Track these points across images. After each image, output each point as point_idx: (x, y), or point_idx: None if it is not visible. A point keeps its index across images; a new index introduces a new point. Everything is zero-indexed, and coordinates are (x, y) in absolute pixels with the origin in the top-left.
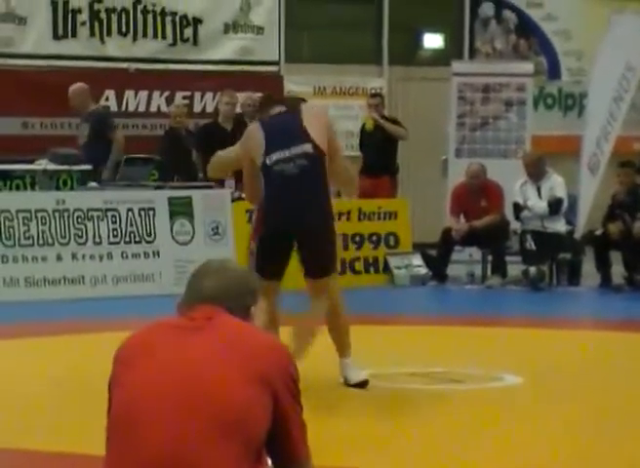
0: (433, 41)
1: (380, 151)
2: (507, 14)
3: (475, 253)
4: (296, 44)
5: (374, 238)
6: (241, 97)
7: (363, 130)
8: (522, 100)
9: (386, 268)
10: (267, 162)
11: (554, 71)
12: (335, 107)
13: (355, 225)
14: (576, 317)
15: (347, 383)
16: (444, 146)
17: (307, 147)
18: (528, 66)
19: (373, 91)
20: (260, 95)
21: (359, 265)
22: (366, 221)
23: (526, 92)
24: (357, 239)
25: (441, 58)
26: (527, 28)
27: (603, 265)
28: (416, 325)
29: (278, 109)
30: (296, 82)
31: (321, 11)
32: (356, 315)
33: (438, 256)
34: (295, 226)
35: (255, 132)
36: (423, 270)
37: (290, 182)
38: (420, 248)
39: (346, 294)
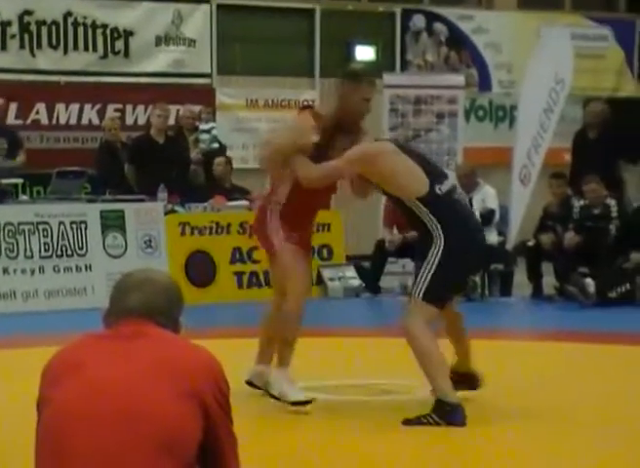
0: (365, 53)
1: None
2: (438, 26)
3: (409, 264)
4: (228, 56)
5: None
6: (180, 109)
7: None
8: (453, 112)
9: (320, 280)
10: (438, 191)
11: (485, 83)
12: (267, 120)
13: None
14: (507, 327)
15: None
16: None
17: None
18: (459, 79)
19: (305, 103)
20: (197, 107)
21: None
22: None
23: (457, 104)
24: None
25: (373, 71)
26: (458, 41)
27: (535, 276)
28: (350, 336)
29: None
30: (228, 94)
31: (253, 23)
32: None
33: (372, 268)
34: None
35: (395, 152)
36: (357, 282)
37: (471, 211)
38: (353, 260)
39: None
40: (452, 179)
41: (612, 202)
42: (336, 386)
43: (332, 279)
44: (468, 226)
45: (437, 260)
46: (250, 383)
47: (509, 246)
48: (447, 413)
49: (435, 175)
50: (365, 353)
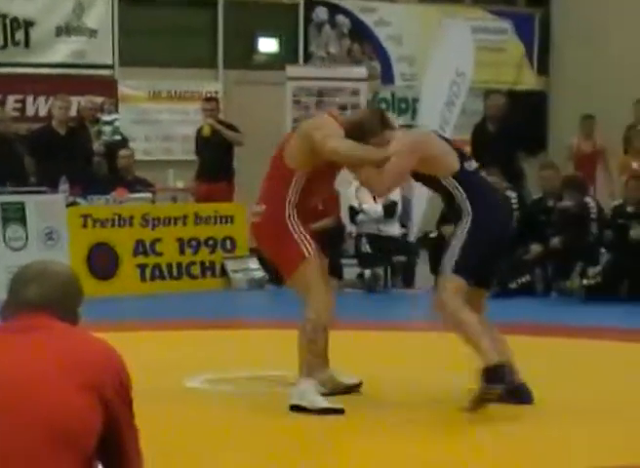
0: (268, 45)
1: (216, 156)
2: (341, 18)
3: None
4: (130, 48)
5: (210, 242)
6: (81, 101)
7: (199, 135)
8: (356, 105)
9: (223, 272)
10: (466, 167)
11: (388, 76)
12: (170, 112)
13: (192, 230)
14: (410, 319)
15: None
16: None
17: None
18: (362, 71)
19: (208, 95)
20: (99, 98)
21: (196, 270)
22: (202, 225)
23: (360, 96)
24: (194, 243)
25: (276, 63)
26: (360, 33)
27: (437, 267)
28: (254, 328)
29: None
30: (130, 86)
31: (156, 14)
32: (193, 320)
33: None
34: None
35: (429, 137)
36: (261, 274)
37: (496, 190)
38: (256, 251)
39: (184, 299)
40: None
41: (512, 194)
42: (243, 378)
43: (235, 271)
44: (495, 202)
45: (465, 234)
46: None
47: (412, 238)
48: (500, 377)
49: (460, 154)
50: (267, 345)
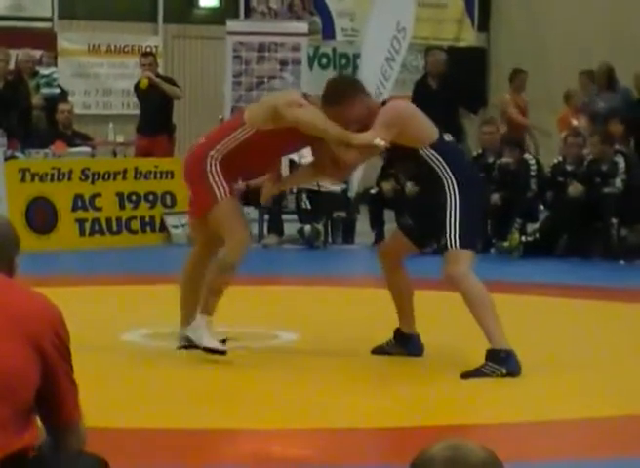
0: (209, 0)
1: (155, 110)
2: None
3: (252, 212)
4: (69, 1)
5: (150, 197)
6: (19, 54)
7: (137, 88)
8: (297, 60)
9: (163, 228)
10: (445, 138)
11: (328, 31)
12: (109, 65)
13: (132, 184)
14: (350, 275)
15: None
16: (220, 105)
17: None
18: (303, 26)
19: (147, 49)
20: (38, 52)
21: (135, 224)
22: (142, 180)
23: (301, 51)
24: (134, 198)
25: (216, 17)
26: None
27: (377, 223)
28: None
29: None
30: (70, 39)
31: None
32: (133, 274)
33: None
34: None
35: (412, 108)
36: None
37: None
38: None
39: (123, 254)
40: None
41: None
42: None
43: (175, 226)
44: (473, 169)
45: (458, 206)
46: (185, 347)
47: (352, 193)
48: (503, 360)
49: (436, 125)
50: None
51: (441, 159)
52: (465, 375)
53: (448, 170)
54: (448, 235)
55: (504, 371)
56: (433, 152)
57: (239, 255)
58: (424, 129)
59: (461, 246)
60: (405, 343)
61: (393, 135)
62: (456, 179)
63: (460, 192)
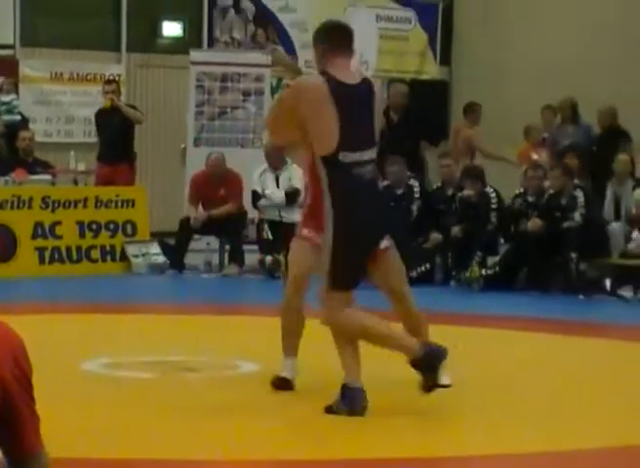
0: (172, 29)
1: (116, 137)
2: (246, 3)
3: (213, 241)
4: (32, 28)
5: (111, 226)
6: None
7: (99, 113)
8: (260, 90)
9: (124, 257)
10: (340, 158)
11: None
12: (72, 93)
13: (92, 213)
14: (310, 303)
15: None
16: (183, 135)
17: (374, 153)
18: (266, 57)
19: (110, 77)
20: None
21: (96, 253)
22: (103, 209)
23: (264, 82)
24: (94, 227)
25: (180, 47)
26: (265, 19)
27: None
28: (152, 313)
29: (347, 64)
30: (32, 67)
31: None
32: (93, 303)
33: (176, 245)
34: (382, 231)
35: (323, 98)
36: (161, 258)
37: (371, 187)
38: (158, 236)
39: (83, 282)
40: (371, 154)
41: (415, 183)
42: (140, 362)
43: (136, 255)
44: (359, 199)
45: (331, 242)
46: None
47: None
48: (347, 398)
49: (352, 140)
50: (165, 330)
51: (326, 178)
52: (327, 410)
53: (328, 193)
54: (321, 265)
55: (346, 409)
56: (322, 166)
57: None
58: (323, 131)
59: (333, 287)
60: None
61: (288, 104)
62: (334, 208)
63: (334, 224)
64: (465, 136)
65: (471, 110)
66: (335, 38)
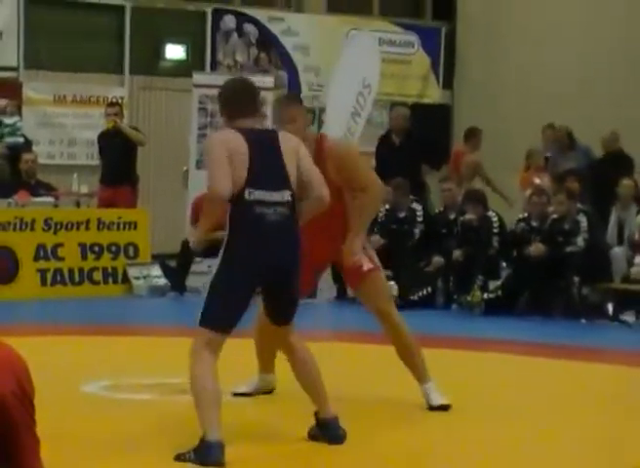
0: (175, 52)
1: (118, 159)
2: (249, 27)
3: (214, 264)
4: (36, 50)
5: (113, 248)
6: None
7: (101, 135)
8: (263, 114)
9: (125, 279)
10: (245, 196)
11: (294, 85)
12: (75, 116)
13: (94, 235)
14: (311, 329)
15: (430, 407)
16: (185, 157)
17: (287, 195)
18: (268, 80)
19: (113, 99)
20: (3, 101)
21: (98, 275)
22: (105, 231)
23: (266, 105)
24: (96, 249)
25: (183, 70)
26: (268, 42)
27: (339, 278)
28: (153, 335)
29: (253, 122)
30: (35, 89)
31: (63, 17)
32: (94, 325)
33: (178, 267)
34: (273, 268)
35: (238, 142)
36: (163, 281)
37: (269, 228)
38: (159, 258)
39: (85, 304)
40: (283, 195)
41: (418, 206)
42: (141, 385)
43: (137, 277)
44: (255, 237)
45: (214, 278)
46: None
47: None
48: (207, 455)
49: (259, 179)
50: (166, 352)
51: (229, 214)
52: (177, 458)
53: (227, 231)
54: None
55: (197, 462)
56: (230, 206)
57: None
58: (239, 172)
59: (200, 323)
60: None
61: (222, 155)
62: (226, 246)
63: (222, 262)
64: (470, 161)
65: (472, 135)
66: (237, 104)
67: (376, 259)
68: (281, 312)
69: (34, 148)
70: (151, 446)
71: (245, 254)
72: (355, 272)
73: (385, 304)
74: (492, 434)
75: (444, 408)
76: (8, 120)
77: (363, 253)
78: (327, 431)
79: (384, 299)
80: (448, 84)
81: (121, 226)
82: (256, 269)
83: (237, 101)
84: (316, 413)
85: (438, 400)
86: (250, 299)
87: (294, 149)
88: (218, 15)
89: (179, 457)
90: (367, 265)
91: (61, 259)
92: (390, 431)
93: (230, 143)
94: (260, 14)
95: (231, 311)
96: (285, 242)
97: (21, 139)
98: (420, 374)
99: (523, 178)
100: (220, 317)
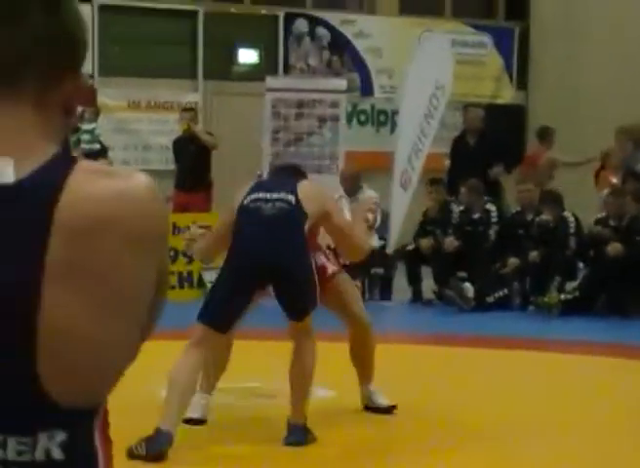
0: (248, 56)
1: (192, 164)
2: (321, 30)
3: None
4: (110, 57)
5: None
6: None
7: (176, 141)
8: (335, 116)
9: (201, 283)
10: (244, 202)
11: (367, 88)
12: (149, 122)
13: (169, 240)
14: (386, 331)
15: (373, 407)
16: (258, 161)
17: (290, 197)
18: (341, 83)
19: (187, 105)
20: (80, 107)
21: (173, 280)
22: (180, 236)
23: (339, 108)
24: (172, 253)
25: (255, 74)
26: (340, 45)
27: (414, 280)
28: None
29: None
30: (110, 95)
31: (136, 25)
32: (169, 330)
33: None
34: (268, 266)
35: (243, 187)
36: None
37: (266, 220)
38: None
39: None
40: (277, 194)
41: (492, 207)
42: (222, 389)
43: (212, 282)
44: (249, 234)
45: (216, 277)
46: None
47: (389, 250)
48: (150, 439)
49: (258, 187)
50: (242, 356)
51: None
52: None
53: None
54: None
55: (144, 452)
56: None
57: None
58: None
59: (197, 317)
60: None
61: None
62: (230, 247)
63: (224, 262)
64: (548, 159)
65: (547, 134)
66: None
67: (338, 261)
68: (287, 309)
69: (109, 154)
70: (233, 450)
71: (238, 253)
72: (320, 275)
73: (355, 306)
74: (581, 441)
75: (391, 409)
76: (87, 126)
77: (325, 256)
78: (287, 434)
79: (354, 301)
80: (522, 84)
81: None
82: (247, 269)
83: None
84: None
85: (385, 401)
86: (247, 298)
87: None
88: (290, 18)
89: (130, 453)
90: (331, 268)
91: None
92: (473, 442)
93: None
94: (331, 17)
95: (226, 309)
96: (281, 239)
97: (98, 146)
98: (369, 375)
99: (601, 178)
100: (214, 314)
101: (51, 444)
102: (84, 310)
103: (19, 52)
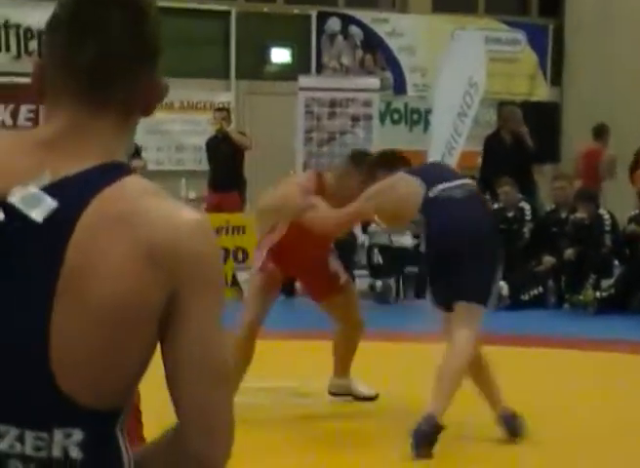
0: (280, 56)
1: (226, 164)
2: (354, 29)
3: None
4: None
5: (222, 252)
6: None
7: (210, 141)
8: (368, 115)
9: (235, 283)
10: (430, 195)
11: (400, 86)
12: (182, 122)
13: None
14: (422, 330)
15: (359, 396)
16: (291, 161)
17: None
18: (374, 81)
19: (220, 105)
20: None
21: None
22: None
23: (372, 107)
24: None
25: (288, 73)
26: (373, 44)
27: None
28: (267, 339)
29: None
30: None
31: (168, 25)
32: None
33: None
34: None
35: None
36: None
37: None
38: None
39: None
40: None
41: (526, 205)
42: (254, 388)
43: (247, 282)
44: (447, 219)
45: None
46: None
47: (423, 248)
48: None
49: (432, 180)
50: (276, 355)
51: (423, 217)
52: None
53: (424, 225)
54: None
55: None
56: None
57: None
58: (403, 206)
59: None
60: None
61: (371, 207)
62: (426, 233)
63: (425, 245)
64: (610, 156)
65: (603, 131)
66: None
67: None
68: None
69: (143, 155)
70: (268, 449)
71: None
72: (332, 283)
73: (358, 315)
74: (600, 437)
75: (373, 398)
76: None
77: (336, 263)
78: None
79: (357, 310)
80: (556, 81)
81: (230, 231)
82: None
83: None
84: None
85: (367, 390)
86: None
87: None
88: (322, 17)
89: None
90: (343, 277)
91: None
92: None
93: None
94: (364, 15)
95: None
96: None
97: (131, 146)
98: (347, 368)
99: (637, 175)
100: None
101: (68, 442)
102: (92, 327)
103: (112, 62)
